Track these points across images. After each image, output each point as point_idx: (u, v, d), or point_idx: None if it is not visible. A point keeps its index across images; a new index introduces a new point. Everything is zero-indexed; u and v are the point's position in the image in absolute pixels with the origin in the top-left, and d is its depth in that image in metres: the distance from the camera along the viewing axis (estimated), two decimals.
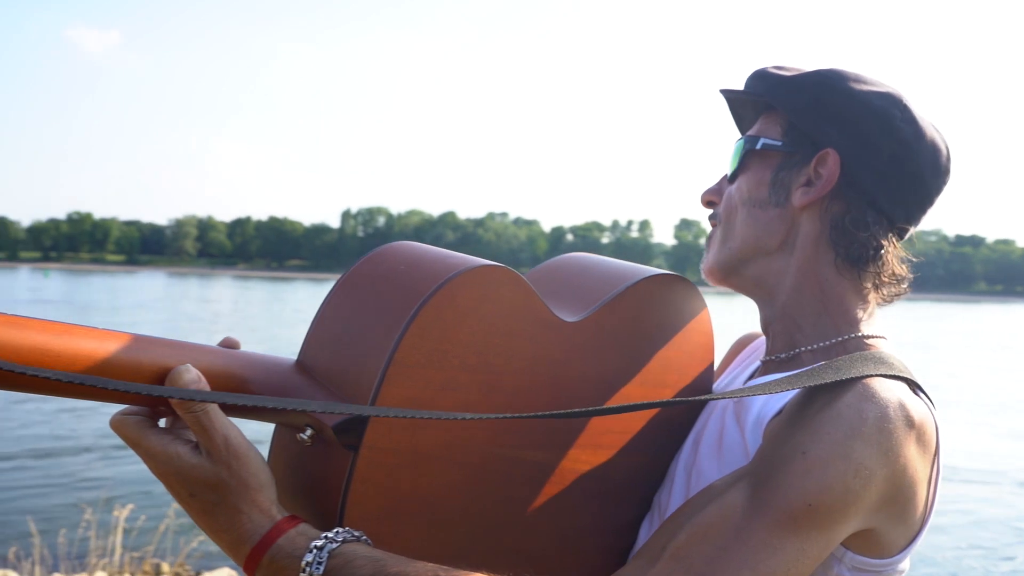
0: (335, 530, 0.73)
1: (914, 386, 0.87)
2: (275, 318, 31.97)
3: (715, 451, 0.94)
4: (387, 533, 0.78)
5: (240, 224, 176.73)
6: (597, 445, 0.96)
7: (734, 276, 1.02)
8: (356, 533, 0.74)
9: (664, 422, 1.02)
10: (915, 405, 0.83)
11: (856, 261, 0.94)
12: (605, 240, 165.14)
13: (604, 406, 0.93)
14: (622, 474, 0.98)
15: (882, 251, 0.94)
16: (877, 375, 0.83)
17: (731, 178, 1.02)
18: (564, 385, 0.91)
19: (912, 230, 0.98)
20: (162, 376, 0.71)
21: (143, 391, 0.65)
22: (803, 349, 0.96)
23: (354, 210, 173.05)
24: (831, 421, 0.78)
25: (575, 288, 0.99)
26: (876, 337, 0.95)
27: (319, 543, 0.71)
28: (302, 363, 0.82)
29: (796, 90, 0.97)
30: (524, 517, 0.89)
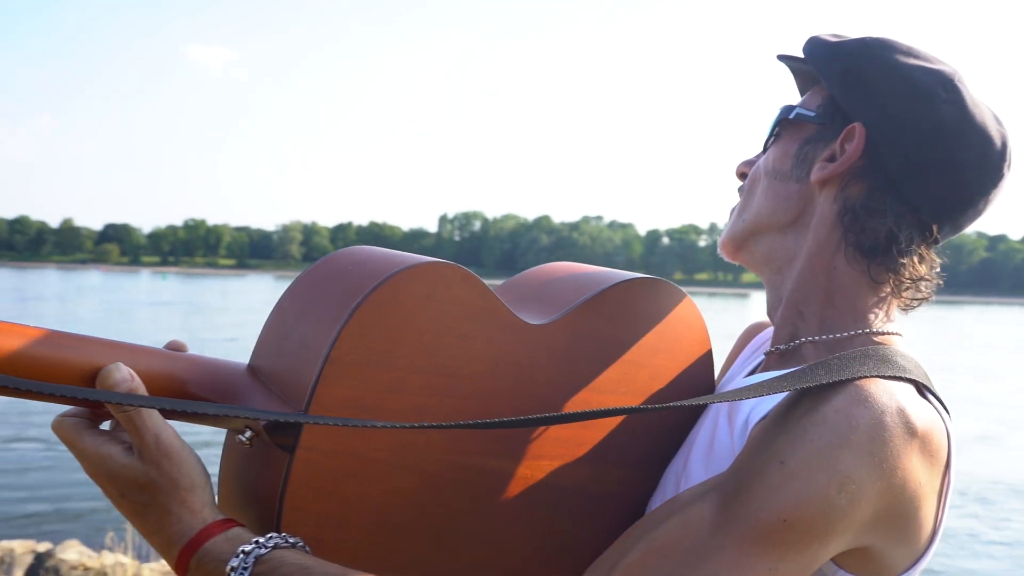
0: (269, 535, 0.70)
1: (923, 389, 0.78)
2: None
3: (705, 456, 0.86)
4: (330, 539, 0.75)
5: (342, 229, 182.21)
6: (577, 456, 0.90)
7: (744, 251, 0.94)
8: (292, 539, 0.71)
9: (656, 429, 0.96)
10: (919, 410, 0.73)
11: (867, 251, 0.84)
12: (702, 243, 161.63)
13: (563, 412, 0.88)
14: (610, 486, 0.93)
15: (898, 244, 0.82)
16: (876, 376, 0.74)
17: (764, 148, 0.95)
18: (530, 391, 0.86)
19: (944, 233, 0.85)
20: (94, 376, 0.70)
21: (47, 391, 0.64)
22: (805, 340, 0.87)
23: (451, 215, 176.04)
24: (815, 427, 0.70)
25: (548, 293, 0.95)
26: (888, 334, 0.85)
27: (247, 548, 0.68)
28: (252, 366, 0.80)
29: (834, 57, 0.88)
30: (493, 531, 0.84)
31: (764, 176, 0.92)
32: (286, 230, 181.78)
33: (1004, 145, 0.83)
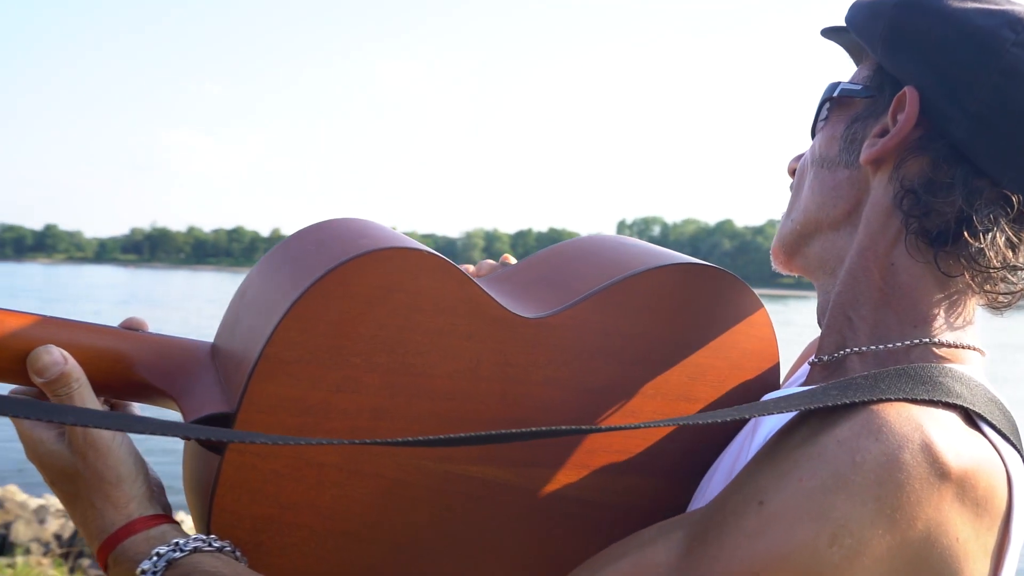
0: (190, 538, 0.65)
1: (978, 419, 0.59)
2: None
3: (726, 477, 0.72)
4: (272, 545, 0.68)
5: (522, 235, 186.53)
6: (582, 464, 0.77)
7: (798, 257, 0.80)
8: (219, 543, 0.65)
9: (688, 441, 0.81)
10: (959, 446, 0.56)
11: (933, 238, 0.67)
12: None
13: (561, 427, 0.75)
14: (623, 500, 0.79)
15: (972, 226, 0.66)
16: (903, 399, 0.57)
17: (812, 136, 0.80)
18: (524, 392, 0.74)
19: None
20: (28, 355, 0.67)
21: None
22: (851, 350, 0.71)
23: (629, 220, 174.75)
24: (809, 461, 0.56)
25: (567, 276, 0.82)
26: (956, 347, 0.68)
27: (161, 550, 0.63)
28: (215, 346, 0.75)
29: (874, 16, 0.73)
30: (473, 543, 0.74)
31: (811, 166, 0.77)
32: (469, 237, 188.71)
33: None
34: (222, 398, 0.68)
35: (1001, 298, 0.69)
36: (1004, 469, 0.58)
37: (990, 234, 0.66)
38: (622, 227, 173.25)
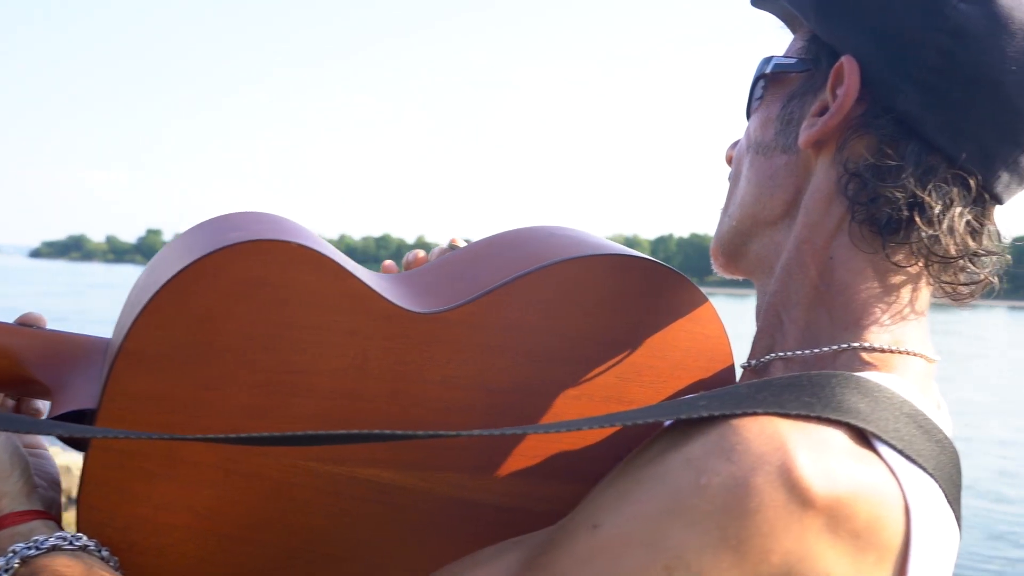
0: (51, 536, 0.63)
1: (874, 439, 0.50)
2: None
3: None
4: (146, 545, 0.66)
5: (663, 241, 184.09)
6: (496, 469, 0.71)
7: (739, 259, 0.71)
8: (83, 542, 0.63)
9: (618, 446, 0.73)
10: (833, 469, 0.48)
11: (883, 227, 0.59)
12: None
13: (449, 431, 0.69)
14: (546, 508, 0.72)
15: (926, 211, 0.58)
16: (773, 413, 0.48)
17: (747, 117, 0.71)
18: (418, 392, 0.69)
19: (1002, 184, 0.61)
20: None
21: None
22: (777, 355, 0.64)
23: None
24: (651, 481, 0.50)
25: (480, 270, 0.76)
26: (894, 353, 0.58)
27: (18, 547, 0.62)
28: (109, 343, 0.74)
29: None
30: (378, 551, 0.70)
31: (747, 154, 0.69)
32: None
33: None
34: (98, 395, 0.67)
35: (962, 289, 0.62)
36: (901, 496, 0.49)
37: (947, 219, 0.58)
38: None
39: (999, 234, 0.63)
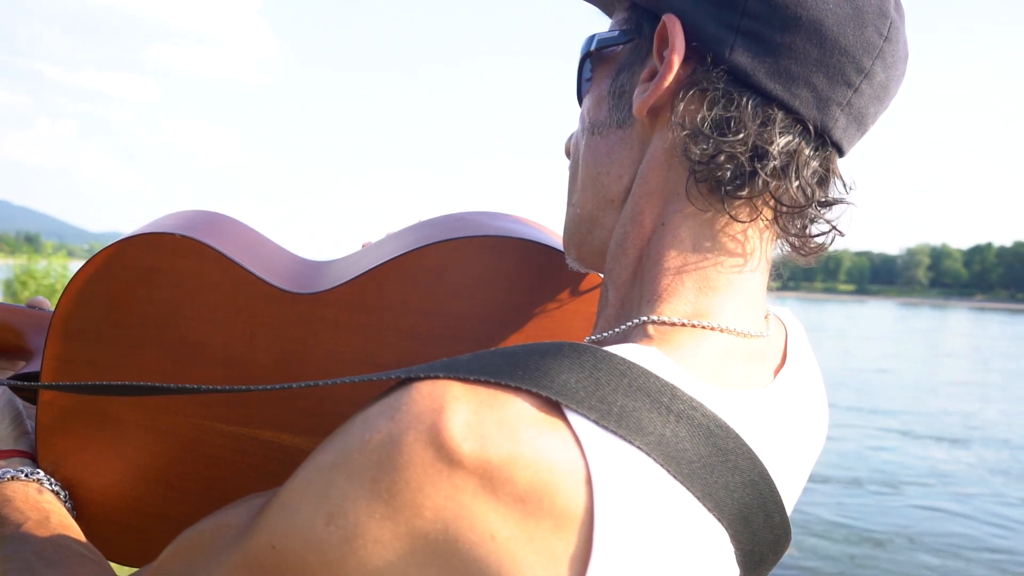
0: (10, 469, 0.77)
1: (567, 409, 0.48)
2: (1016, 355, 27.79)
3: None
4: (92, 484, 0.79)
5: (979, 251, 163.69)
6: None
7: (590, 254, 0.68)
8: (37, 475, 0.77)
9: None
10: (491, 433, 0.47)
11: (724, 182, 0.57)
12: None
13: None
14: None
15: (768, 161, 0.56)
16: (454, 377, 0.49)
17: (579, 102, 0.69)
18: (304, 365, 0.77)
19: (839, 128, 0.58)
20: None
21: None
22: (593, 337, 0.63)
23: None
24: (335, 438, 0.52)
25: (373, 254, 0.81)
26: (683, 326, 0.57)
27: None
28: None
29: None
30: None
31: (583, 137, 0.66)
32: (911, 254, 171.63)
33: None
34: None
35: (811, 243, 0.61)
36: (583, 466, 0.47)
37: (792, 167, 0.57)
38: None
39: (845, 184, 0.60)
